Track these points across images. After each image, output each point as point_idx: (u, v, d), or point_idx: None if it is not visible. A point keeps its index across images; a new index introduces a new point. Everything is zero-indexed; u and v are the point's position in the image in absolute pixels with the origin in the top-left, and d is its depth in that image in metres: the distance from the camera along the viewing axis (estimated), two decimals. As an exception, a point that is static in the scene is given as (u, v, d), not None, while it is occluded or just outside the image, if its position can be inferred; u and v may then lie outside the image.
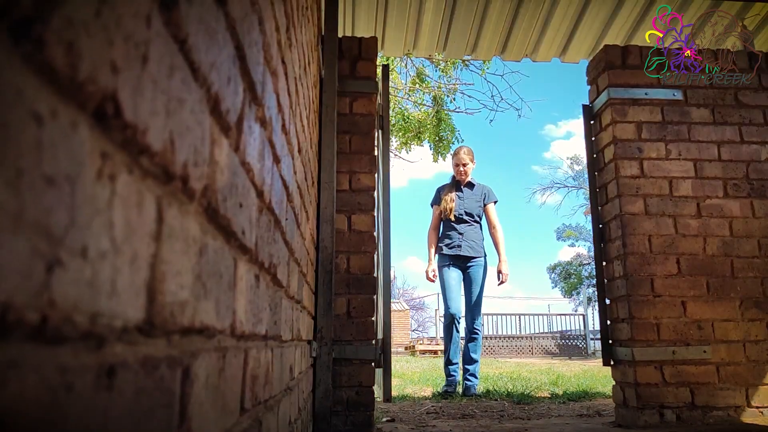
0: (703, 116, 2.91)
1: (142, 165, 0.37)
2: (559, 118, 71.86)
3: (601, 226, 2.99)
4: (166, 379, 0.43)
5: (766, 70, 2.98)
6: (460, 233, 4.09)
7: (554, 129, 69.90)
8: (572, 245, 31.99)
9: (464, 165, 4.17)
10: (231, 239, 0.64)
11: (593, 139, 3.11)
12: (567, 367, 8.43)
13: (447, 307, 4.04)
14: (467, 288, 4.07)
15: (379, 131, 2.90)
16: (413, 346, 16.34)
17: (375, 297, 2.60)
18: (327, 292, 2.32)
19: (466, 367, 4.05)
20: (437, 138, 8.71)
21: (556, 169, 50.51)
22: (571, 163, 30.46)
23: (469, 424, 2.77)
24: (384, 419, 2.85)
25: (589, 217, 3.23)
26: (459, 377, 4.13)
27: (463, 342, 4.16)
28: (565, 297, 31.02)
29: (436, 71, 8.78)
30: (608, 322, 2.88)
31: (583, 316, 17.62)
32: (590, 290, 22.88)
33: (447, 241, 4.12)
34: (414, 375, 6.18)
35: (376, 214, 2.70)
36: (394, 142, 9.04)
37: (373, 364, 2.53)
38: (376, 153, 2.77)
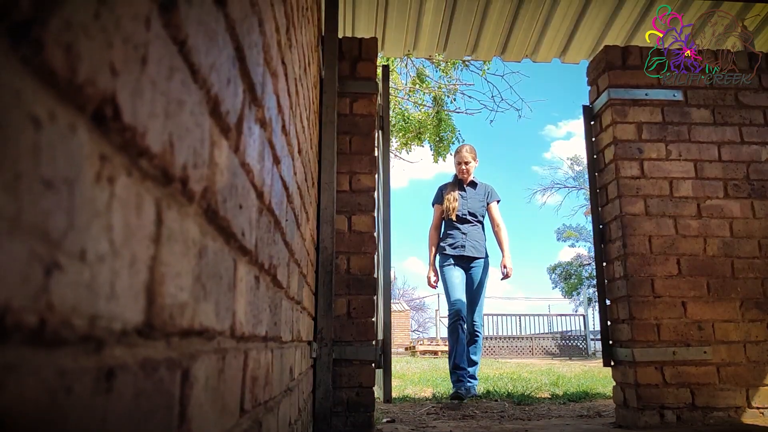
0: (704, 117, 2.91)
1: (141, 167, 0.37)
2: (560, 119, 71.88)
3: (601, 226, 2.99)
4: (166, 382, 0.42)
5: (766, 70, 2.98)
6: (464, 233, 4.00)
7: (554, 129, 69.92)
8: (572, 246, 32.00)
9: (466, 163, 4.07)
10: (231, 241, 0.64)
11: (593, 139, 3.11)
12: (567, 368, 8.43)
13: (451, 305, 3.89)
14: (469, 288, 3.99)
15: (380, 132, 2.90)
16: (413, 347, 16.34)
17: (375, 297, 2.60)
18: (327, 292, 2.32)
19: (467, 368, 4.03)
20: (437, 138, 8.71)
21: (556, 170, 50.51)
22: (572, 163, 30.46)
23: (469, 424, 2.77)
24: (384, 420, 2.85)
25: (590, 218, 3.22)
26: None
27: None
28: (565, 297, 31.01)
29: (436, 72, 8.78)
30: (608, 323, 2.88)
31: (584, 316, 17.62)
32: (590, 291, 22.87)
33: (450, 240, 4.02)
34: (414, 376, 6.18)
35: (376, 214, 2.70)
36: (395, 143, 9.04)
37: (373, 364, 2.53)
38: (376, 153, 2.77)
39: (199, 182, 0.50)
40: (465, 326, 3.86)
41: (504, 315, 18.32)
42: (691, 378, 2.60)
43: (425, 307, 36.48)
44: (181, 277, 0.46)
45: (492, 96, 10.34)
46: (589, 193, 3.17)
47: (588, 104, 3.14)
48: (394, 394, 3.98)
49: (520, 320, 18.23)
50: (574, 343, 16.87)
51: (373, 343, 2.53)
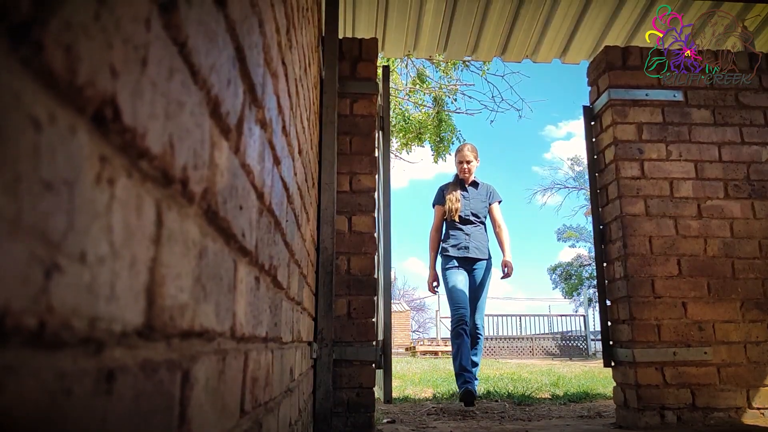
0: (704, 117, 2.91)
1: (141, 168, 0.37)
2: (560, 119, 71.93)
3: (601, 227, 2.99)
4: (166, 383, 0.42)
5: (766, 70, 2.98)
6: (467, 234, 3.90)
7: (555, 130, 69.95)
8: (573, 246, 31.99)
9: (468, 162, 3.98)
10: (231, 241, 0.64)
11: (594, 140, 3.11)
12: (568, 368, 8.43)
13: (455, 310, 3.77)
14: (472, 290, 3.90)
15: (380, 132, 2.90)
16: (414, 347, 16.33)
17: (375, 298, 2.60)
18: (327, 293, 2.32)
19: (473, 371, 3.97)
20: (438, 139, 8.70)
21: (556, 170, 50.50)
22: (572, 163, 30.48)
23: (469, 425, 2.77)
24: (384, 420, 2.85)
25: (590, 218, 3.22)
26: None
27: None
28: (565, 298, 31.02)
29: (436, 72, 8.78)
30: (609, 323, 2.88)
31: (584, 317, 17.61)
32: (591, 291, 22.87)
33: (453, 242, 3.91)
34: (415, 376, 6.18)
35: (376, 215, 2.70)
36: (395, 143, 9.04)
37: (373, 365, 2.53)
38: (376, 154, 2.77)
39: (199, 183, 0.50)
40: (468, 330, 3.77)
41: (504, 315, 18.31)
42: (692, 378, 2.60)
43: (425, 307, 36.51)
44: (181, 279, 0.45)
45: (492, 96, 10.34)
46: (589, 193, 3.17)
47: (588, 105, 3.14)
48: (394, 395, 3.98)
49: (520, 320, 18.22)
50: (575, 344, 16.87)
51: (374, 343, 2.53)
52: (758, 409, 2.61)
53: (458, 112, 9.22)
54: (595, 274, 3.12)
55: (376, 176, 2.73)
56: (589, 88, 3.15)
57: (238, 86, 0.67)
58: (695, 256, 2.74)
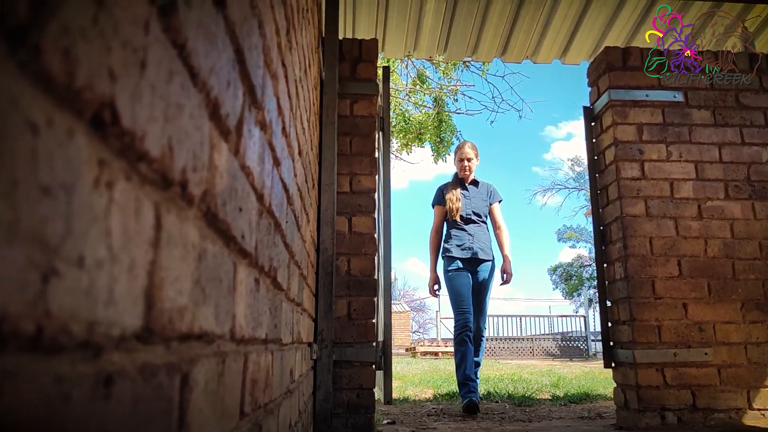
0: (704, 118, 2.90)
1: (140, 171, 0.37)
2: (560, 120, 71.91)
3: (601, 228, 2.99)
4: (165, 386, 0.42)
5: (766, 71, 2.98)
6: (470, 234, 3.76)
7: (555, 130, 69.93)
8: (573, 247, 31.96)
9: (469, 160, 3.85)
10: (230, 243, 0.64)
11: (594, 140, 3.11)
12: (568, 369, 8.42)
13: (459, 315, 3.61)
14: (476, 293, 3.76)
15: (380, 133, 2.90)
16: (414, 348, 16.33)
17: (376, 299, 2.60)
18: (327, 294, 2.32)
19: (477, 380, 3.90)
20: (438, 139, 8.70)
21: (556, 171, 50.50)
22: (572, 164, 30.45)
23: (469, 426, 2.76)
24: (384, 421, 2.85)
25: (590, 219, 3.22)
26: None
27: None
28: (566, 298, 30.99)
29: (436, 73, 8.78)
30: (609, 324, 2.88)
31: (584, 317, 17.61)
32: (591, 292, 22.85)
33: (456, 242, 3.77)
34: (415, 377, 6.18)
35: (376, 215, 2.70)
36: (395, 144, 9.04)
37: (373, 366, 2.52)
38: (376, 155, 2.77)
39: (198, 186, 0.50)
40: (473, 336, 3.64)
41: (504, 316, 18.30)
42: (692, 379, 2.60)
43: (426, 308, 36.50)
44: (180, 281, 0.45)
45: (492, 96, 10.31)
46: (589, 194, 3.17)
47: (588, 105, 3.14)
48: (394, 396, 3.98)
49: (520, 321, 18.20)
50: (575, 344, 16.86)
51: (374, 344, 2.53)
52: (759, 410, 2.60)
53: (458, 113, 9.22)
54: (595, 275, 3.12)
55: (376, 177, 2.73)
56: (590, 88, 3.15)
57: (238, 88, 0.67)
58: (696, 256, 2.73)
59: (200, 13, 0.50)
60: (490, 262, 3.82)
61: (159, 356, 0.41)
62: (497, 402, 3.85)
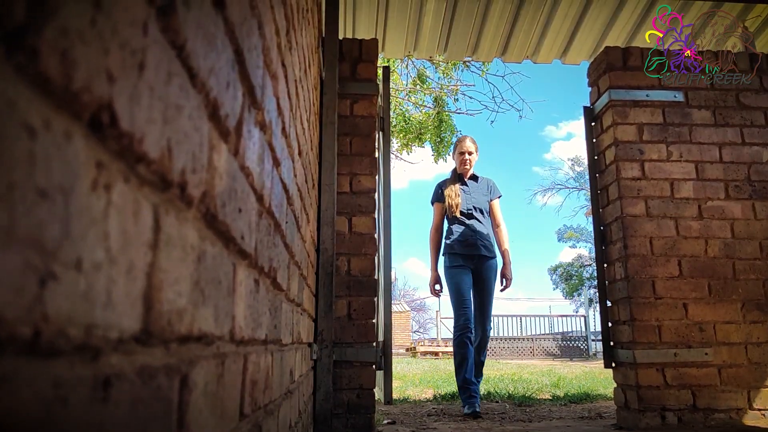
0: (705, 118, 2.90)
1: (138, 173, 0.37)
2: (560, 119, 71.92)
3: (602, 227, 2.99)
4: (164, 388, 0.42)
5: (766, 71, 2.97)
6: (472, 230, 3.61)
7: (555, 130, 69.92)
8: (573, 246, 31.95)
9: (469, 153, 3.71)
10: (230, 245, 0.64)
11: (594, 140, 3.10)
12: (568, 369, 8.42)
13: (460, 315, 3.48)
14: (479, 291, 3.62)
15: (380, 133, 2.90)
16: (414, 348, 16.33)
17: (376, 299, 2.60)
18: (327, 294, 2.32)
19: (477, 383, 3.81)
20: (438, 139, 8.70)
21: (557, 171, 50.49)
22: (572, 164, 30.44)
23: (469, 426, 2.76)
24: (385, 422, 2.85)
25: (590, 219, 3.21)
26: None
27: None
28: (566, 298, 31.00)
29: (436, 72, 8.78)
30: (609, 324, 2.88)
31: (585, 317, 17.60)
32: (591, 292, 22.84)
33: (458, 238, 3.62)
34: (415, 377, 6.18)
35: (376, 215, 2.70)
36: (395, 144, 9.03)
37: (373, 366, 2.52)
38: (376, 155, 2.77)
39: (197, 187, 0.50)
40: (473, 338, 3.51)
41: (505, 316, 18.29)
42: (693, 379, 2.60)
43: (426, 307, 36.47)
44: (179, 283, 0.45)
45: (493, 96, 10.30)
46: (589, 194, 3.17)
47: (589, 105, 3.14)
48: (394, 396, 3.98)
49: (521, 321, 18.20)
50: (575, 344, 16.85)
51: (374, 344, 2.53)
52: (759, 410, 2.60)
53: (459, 113, 9.22)
54: (595, 275, 3.12)
55: (377, 177, 2.73)
56: (590, 88, 3.15)
57: (237, 89, 0.67)
58: (696, 256, 2.73)
59: (199, 13, 0.50)
60: (493, 260, 3.69)
61: (158, 358, 0.41)
62: (497, 402, 3.85)
